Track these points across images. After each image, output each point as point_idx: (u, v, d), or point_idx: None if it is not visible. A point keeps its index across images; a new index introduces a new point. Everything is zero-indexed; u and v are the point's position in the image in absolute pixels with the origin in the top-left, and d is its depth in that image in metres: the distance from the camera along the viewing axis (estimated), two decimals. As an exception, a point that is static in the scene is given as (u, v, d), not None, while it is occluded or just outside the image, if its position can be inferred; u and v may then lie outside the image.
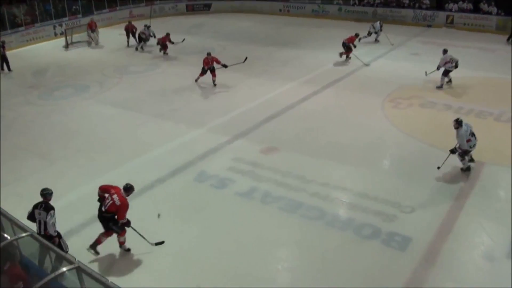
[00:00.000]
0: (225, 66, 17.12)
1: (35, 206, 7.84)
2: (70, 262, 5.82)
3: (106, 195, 8.16)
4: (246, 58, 17.72)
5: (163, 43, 21.79)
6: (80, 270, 5.72)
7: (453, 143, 10.64)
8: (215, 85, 17.18)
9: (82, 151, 12.70)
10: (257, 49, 22.32)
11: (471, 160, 11.03)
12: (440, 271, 8.06)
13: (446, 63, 15.46)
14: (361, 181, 10.82)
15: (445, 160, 10.65)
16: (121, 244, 8.53)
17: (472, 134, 10.60)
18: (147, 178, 11.01)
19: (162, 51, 21.91)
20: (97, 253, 8.43)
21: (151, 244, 8.42)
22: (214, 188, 10.72)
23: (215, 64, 17.08)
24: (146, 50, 23.30)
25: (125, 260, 8.48)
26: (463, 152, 10.61)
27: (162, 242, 8.53)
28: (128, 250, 8.55)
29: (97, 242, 8.37)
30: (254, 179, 10.97)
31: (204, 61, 17.02)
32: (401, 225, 9.22)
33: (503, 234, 8.83)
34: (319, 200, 10.09)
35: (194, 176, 11.20)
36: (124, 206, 8.06)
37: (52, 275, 5.80)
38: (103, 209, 8.14)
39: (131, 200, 8.41)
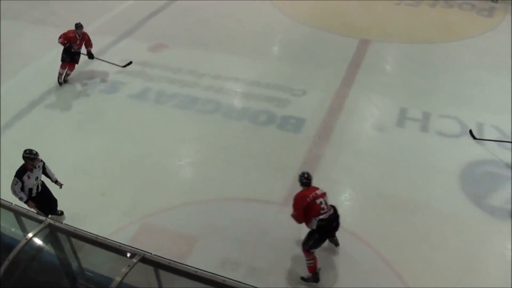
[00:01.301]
0: (90, 56, 10.65)
1: None
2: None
3: (317, 201, 6.02)
4: (131, 62, 11.23)
5: None
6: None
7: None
8: (66, 81, 10.70)
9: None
10: None
11: None
12: (334, 146, 8.62)
13: None
14: (253, 70, 10.93)
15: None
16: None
17: None
18: (36, 91, 10.39)
19: None
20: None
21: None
22: (105, 94, 10.35)
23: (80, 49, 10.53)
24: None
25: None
26: None
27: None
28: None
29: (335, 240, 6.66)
30: (146, 79, 10.69)
31: (66, 36, 10.24)
32: (295, 108, 9.60)
33: (391, 105, 9.47)
34: (214, 93, 10.14)
35: (83, 83, 10.69)
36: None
37: None
38: (326, 216, 6.03)
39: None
